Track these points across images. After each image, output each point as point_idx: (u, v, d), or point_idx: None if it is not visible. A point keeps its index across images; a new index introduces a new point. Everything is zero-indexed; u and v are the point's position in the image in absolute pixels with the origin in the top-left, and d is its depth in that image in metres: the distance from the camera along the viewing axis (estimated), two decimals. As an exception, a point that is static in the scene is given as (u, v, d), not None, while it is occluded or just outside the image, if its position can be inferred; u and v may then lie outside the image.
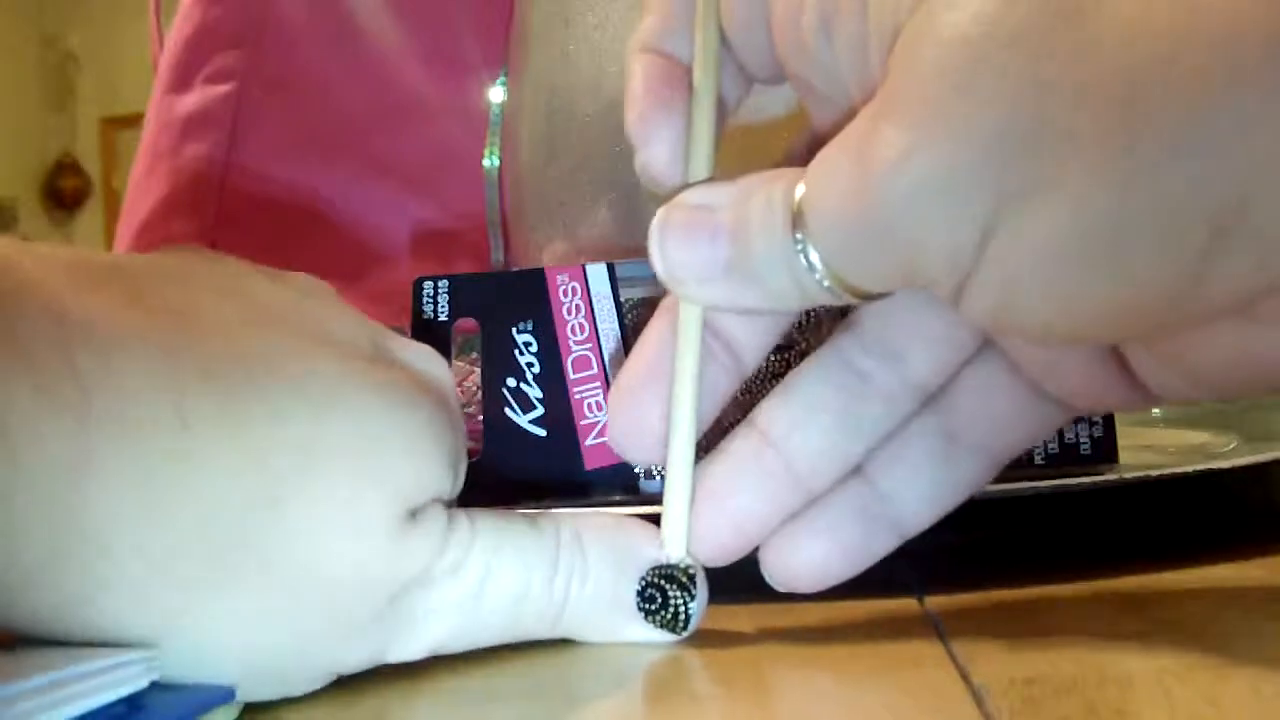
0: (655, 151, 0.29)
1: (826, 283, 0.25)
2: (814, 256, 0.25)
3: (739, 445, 0.30)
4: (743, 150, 0.31)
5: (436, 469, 0.28)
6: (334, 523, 0.26)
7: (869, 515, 0.29)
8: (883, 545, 0.29)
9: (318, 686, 0.27)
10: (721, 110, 0.29)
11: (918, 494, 0.29)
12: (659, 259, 0.28)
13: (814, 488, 0.29)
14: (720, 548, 0.30)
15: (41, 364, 0.23)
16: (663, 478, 0.30)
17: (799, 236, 0.25)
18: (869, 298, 0.26)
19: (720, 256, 0.27)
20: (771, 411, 0.29)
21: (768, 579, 0.30)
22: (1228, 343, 0.24)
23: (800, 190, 0.25)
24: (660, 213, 0.28)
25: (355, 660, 0.27)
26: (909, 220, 0.23)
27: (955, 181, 0.22)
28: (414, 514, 0.27)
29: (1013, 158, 0.22)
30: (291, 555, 0.25)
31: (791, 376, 0.30)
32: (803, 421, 0.29)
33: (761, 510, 0.29)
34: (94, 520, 0.23)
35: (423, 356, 0.31)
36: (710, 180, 0.28)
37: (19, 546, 0.23)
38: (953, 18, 0.22)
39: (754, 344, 0.30)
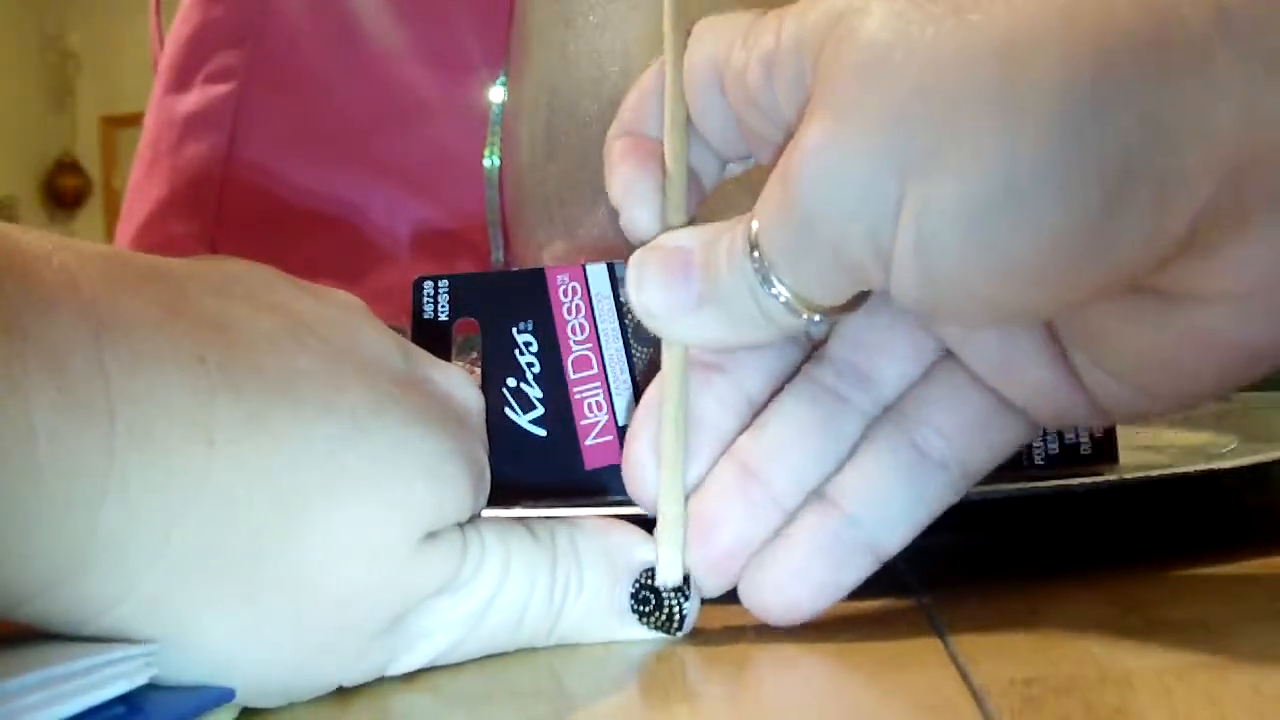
0: (636, 214, 0.31)
1: (784, 298, 0.27)
2: (772, 277, 0.27)
3: (723, 479, 0.30)
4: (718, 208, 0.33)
5: (458, 497, 0.28)
6: (350, 545, 0.26)
7: (841, 547, 0.29)
8: (857, 572, 0.30)
9: (319, 694, 0.27)
10: (696, 180, 0.31)
11: (891, 514, 0.29)
12: (636, 295, 0.29)
13: (792, 506, 0.30)
14: (716, 580, 0.30)
15: (71, 371, 0.22)
16: None
17: (756, 256, 0.27)
18: (828, 312, 0.27)
19: (692, 292, 0.28)
20: (751, 444, 0.30)
21: (745, 606, 0.30)
22: (1147, 330, 0.25)
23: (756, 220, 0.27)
24: (638, 253, 0.30)
25: (359, 673, 0.27)
26: (827, 207, 0.25)
27: (863, 162, 0.24)
28: (431, 536, 0.27)
29: (914, 132, 0.24)
30: (306, 574, 0.25)
31: (769, 409, 0.31)
32: (786, 449, 0.30)
33: (751, 539, 0.30)
34: (113, 532, 0.23)
35: (453, 381, 0.31)
36: (686, 226, 0.30)
37: (35, 554, 0.22)
38: (864, 22, 0.24)
39: (761, 380, 0.31)
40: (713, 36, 0.29)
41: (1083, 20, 0.22)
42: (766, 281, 0.27)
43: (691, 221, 0.31)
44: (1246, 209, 0.23)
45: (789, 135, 0.27)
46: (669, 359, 0.30)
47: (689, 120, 0.31)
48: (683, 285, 0.29)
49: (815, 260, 0.26)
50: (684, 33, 0.31)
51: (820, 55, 0.26)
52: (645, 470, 0.30)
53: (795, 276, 0.27)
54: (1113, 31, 0.22)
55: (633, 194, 0.31)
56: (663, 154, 0.31)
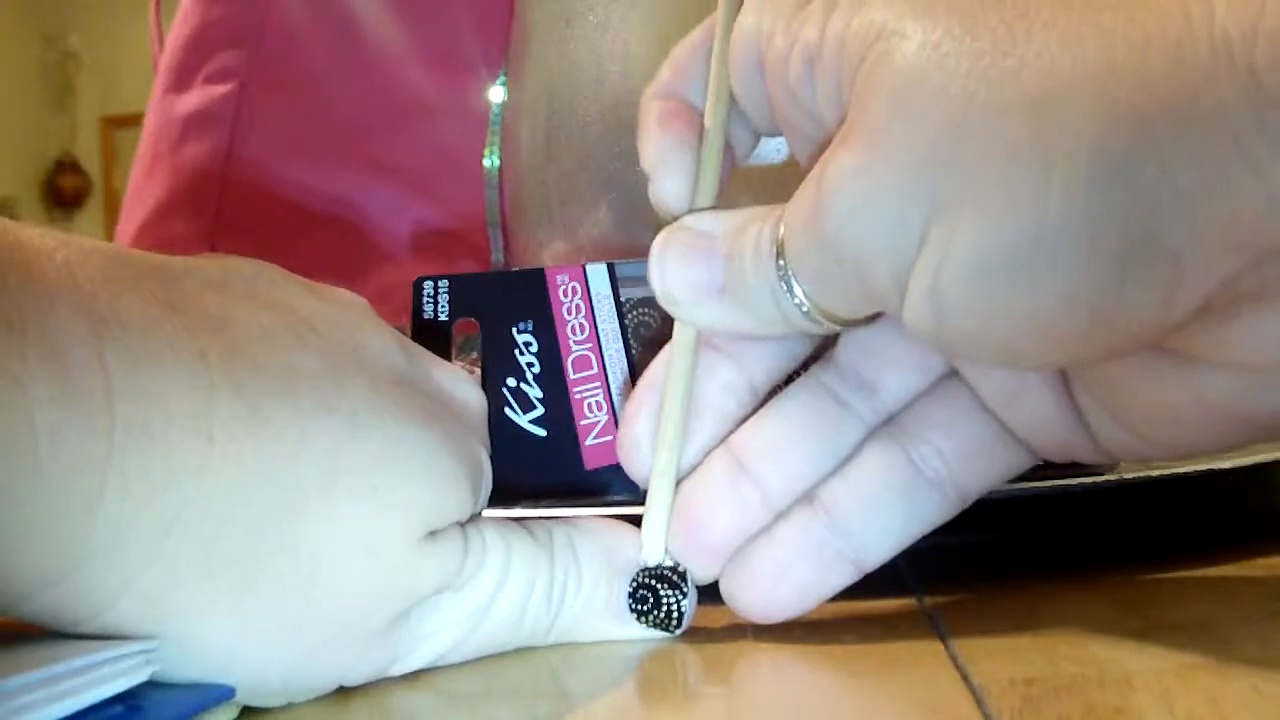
0: (667, 184, 0.30)
1: (806, 308, 0.27)
2: (795, 285, 0.27)
3: (716, 473, 0.30)
4: (746, 187, 0.33)
5: (458, 495, 0.28)
6: (350, 543, 0.26)
7: (825, 552, 0.29)
8: (840, 579, 0.30)
9: (320, 694, 0.27)
10: (729, 153, 0.31)
11: (880, 528, 0.29)
12: (658, 277, 0.29)
13: (782, 506, 0.30)
14: (699, 573, 0.30)
15: (71, 367, 0.22)
16: None
17: (781, 264, 0.27)
18: (847, 324, 0.28)
19: (715, 281, 0.28)
20: (750, 440, 0.30)
21: (725, 601, 0.30)
22: (1157, 386, 0.25)
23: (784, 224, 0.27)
24: (663, 234, 0.29)
25: (362, 673, 0.27)
26: (853, 237, 0.25)
27: (891, 198, 0.24)
28: (432, 534, 0.27)
29: (943, 174, 0.23)
30: (306, 570, 0.25)
31: (770, 405, 0.30)
32: (782, 449, 0.30)
33: (737, 535, 0.30)
34: (112, 529, 0.23)
35: (455, 380, 0.31)
36: (713, 209, 0.30)
37: (34, 551, 0.22)
38: (903, 46, 0.24)
39: (765, 368, 0.31)
40: (759, 14, 0.28)
41: (1118, 85, 0.22)
42: (789, 289, 0.27)
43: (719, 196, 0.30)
44: (1266, 288, 0.23)
45: (826, 137, 0.26)
46: (678, 341, 0.30)
47: (731, 96, 0.30)
48: (704, 273, 0.28)
49: (839, 281, 0.26)
50: (736, 7, 0.30)
51: (859, 70, 0.25)
52: (641, 451, 0.31)
53: (818, 291, 0.27)
54: (1147, 101, 0.21)
55: (667, 165, 0.30)
56: (701, 126, 0.30)
